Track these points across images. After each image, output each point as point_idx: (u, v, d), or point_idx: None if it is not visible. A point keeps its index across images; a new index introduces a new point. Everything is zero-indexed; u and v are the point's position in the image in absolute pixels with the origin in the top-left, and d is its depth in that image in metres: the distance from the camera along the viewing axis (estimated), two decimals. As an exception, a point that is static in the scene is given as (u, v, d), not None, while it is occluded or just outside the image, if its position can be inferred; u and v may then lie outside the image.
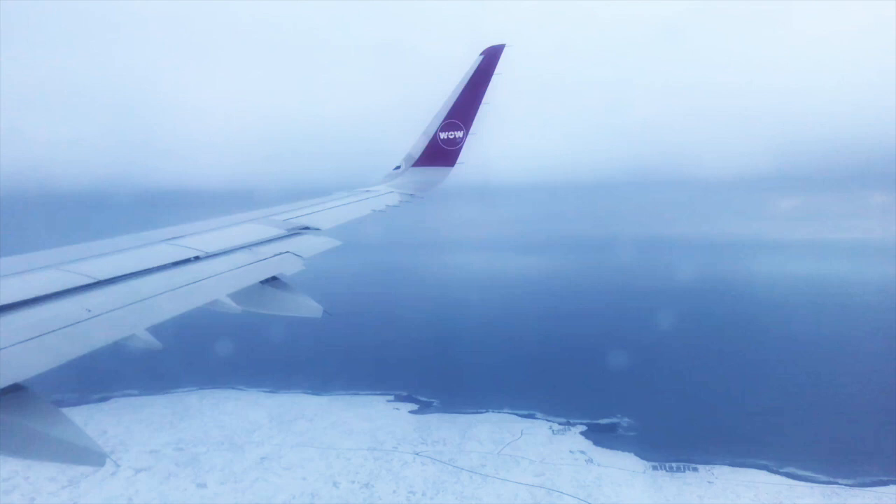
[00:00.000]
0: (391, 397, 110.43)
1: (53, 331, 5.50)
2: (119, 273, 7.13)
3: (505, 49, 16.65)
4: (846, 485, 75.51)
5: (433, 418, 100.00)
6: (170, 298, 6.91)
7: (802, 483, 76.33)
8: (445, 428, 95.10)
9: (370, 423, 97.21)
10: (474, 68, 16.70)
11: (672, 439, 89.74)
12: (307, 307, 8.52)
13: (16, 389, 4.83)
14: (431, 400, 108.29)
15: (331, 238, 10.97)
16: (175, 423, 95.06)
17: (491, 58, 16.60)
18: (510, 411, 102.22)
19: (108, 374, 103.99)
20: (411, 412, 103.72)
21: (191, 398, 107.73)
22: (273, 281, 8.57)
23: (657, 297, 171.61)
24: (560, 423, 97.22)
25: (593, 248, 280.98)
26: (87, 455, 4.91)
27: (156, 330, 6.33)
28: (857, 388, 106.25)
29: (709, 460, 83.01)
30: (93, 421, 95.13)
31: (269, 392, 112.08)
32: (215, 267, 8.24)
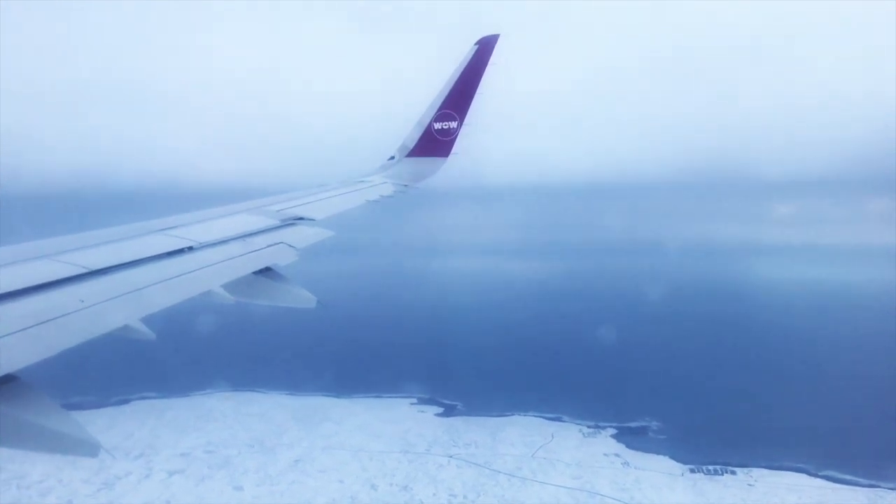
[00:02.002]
0: (414, 400, 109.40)
1: (47, 321, 5.47)
2: (112, 263, 7.10)
3: (499, 39, 16.61)
4: (888, 488, 75.22)
5: (460, 421, 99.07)
6: (163, 289, 6.92)
7: (845, 486, 75.98)
8: (474, 431, 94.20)
9: (397, 425, 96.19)
10: (469, 58, 16.63)
11: (704, 442, 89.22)
12: (301, 298, 8.48)
13: (9, 380, 4.77)
14: (455, 403, 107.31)
15: (325, 229, 10.96)
16: (200, 426, 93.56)
17: (485, 48, 16.53)
18: (536, 414, 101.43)
19: (123, 376, 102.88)
20: (437, 415, 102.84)
21: (211, 400, 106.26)
22: (267, 271, 8.58)
23: (670, 300, 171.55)
24: (589, 427, 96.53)
25: (600, 252, 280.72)
26: (82, 446, 4.84)
27: (160, 324, 6.35)
28: (884, 390, 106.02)
29: (745, 463, 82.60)
30: (117, 424, 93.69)
31: (289, 394, 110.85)
32: (209, 257, 8.29)
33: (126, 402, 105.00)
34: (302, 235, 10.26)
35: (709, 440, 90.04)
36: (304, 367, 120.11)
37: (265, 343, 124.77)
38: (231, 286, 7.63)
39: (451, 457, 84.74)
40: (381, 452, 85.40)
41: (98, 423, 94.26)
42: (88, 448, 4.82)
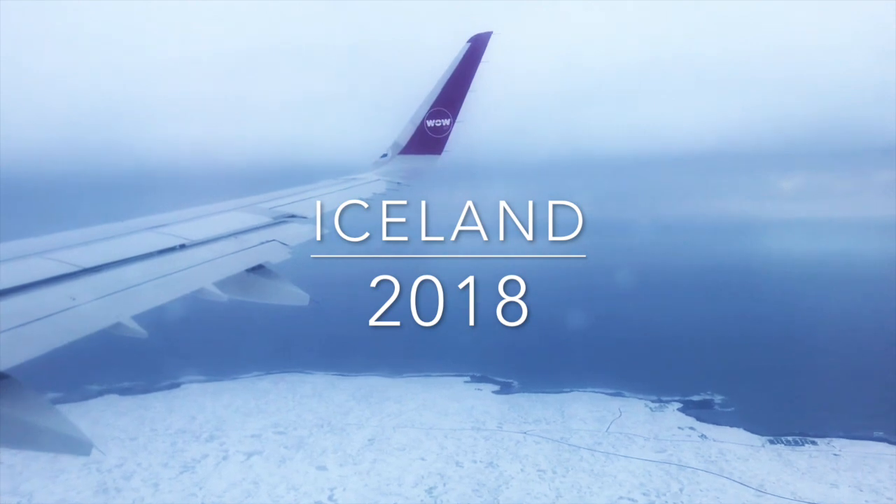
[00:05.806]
0: (467, 378, 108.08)
1: (37, 319, 5.47)
2: (104, 261, 7.10)
3: (492, 37, 16.85)
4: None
5: (521, 398, 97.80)
6: (155, 287, 6.96)
7: (934, 454, 75.29)
8: (539, 407, 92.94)
9: (459, 403, 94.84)
10: (461, 56, 16.93)
11: (774, 413, 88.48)
12: (293, 295, 8.58)
13: (0, 378, 4.78)
14: (510, 380, 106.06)
15: (317, 226, 11.13)
16: (262, 408, 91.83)
17: (478, 45, 16.79)
18: (596, 390, 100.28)
19: (165, 361, 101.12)
20: (495, 392, 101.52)
21: (263, 383, 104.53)
22: (259, 269, 8.63)
23: (695, 276, 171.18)
24: (653, 401, 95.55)
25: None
26: (74, 444, 4.83)
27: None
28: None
29: (824, 433, 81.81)
30: (175, 407, 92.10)
31: (340, 375, 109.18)
32: (201, 255, 8.34)
33: (176, 386, 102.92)
34: (294, 233, 10.39)
35: (778, 411, 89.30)
36: (346, 349, 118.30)
37: (296, 327, 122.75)
38: (223, 284, 7.68)
39: (525, 433, 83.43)
40: (454, 430, 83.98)
41: (156, 406, 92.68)
42: (81, 446, 4.80)
